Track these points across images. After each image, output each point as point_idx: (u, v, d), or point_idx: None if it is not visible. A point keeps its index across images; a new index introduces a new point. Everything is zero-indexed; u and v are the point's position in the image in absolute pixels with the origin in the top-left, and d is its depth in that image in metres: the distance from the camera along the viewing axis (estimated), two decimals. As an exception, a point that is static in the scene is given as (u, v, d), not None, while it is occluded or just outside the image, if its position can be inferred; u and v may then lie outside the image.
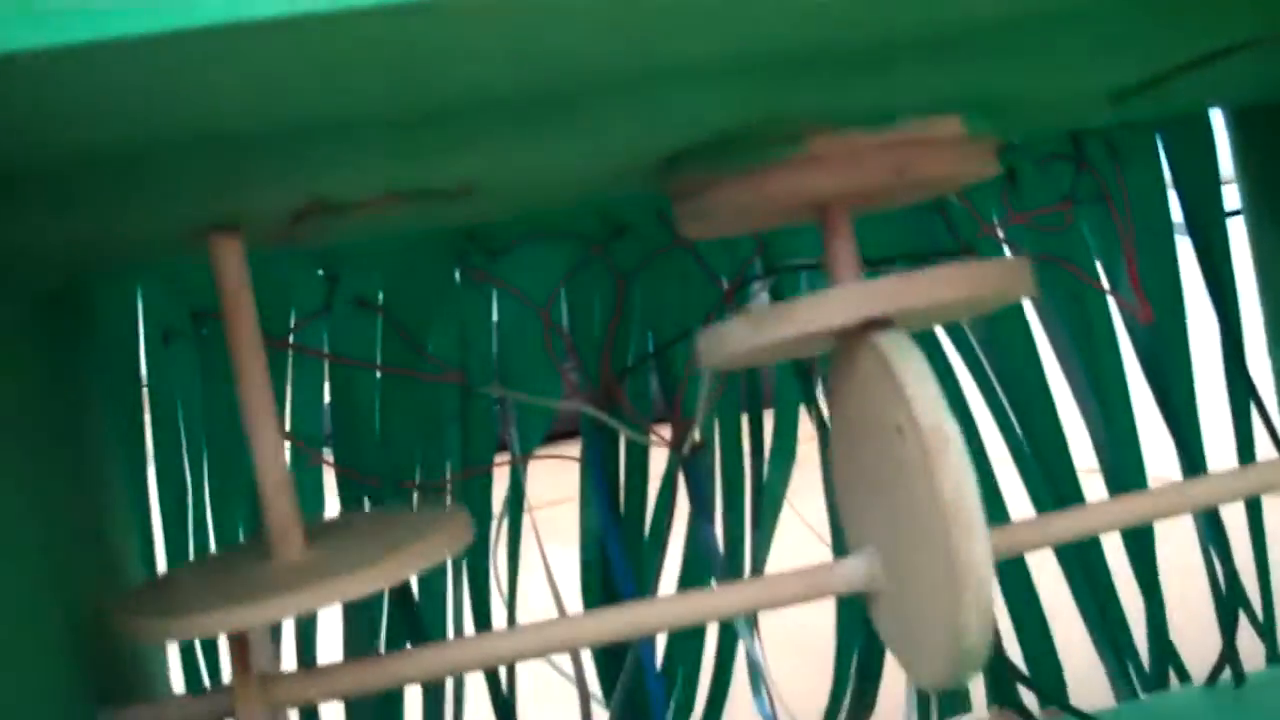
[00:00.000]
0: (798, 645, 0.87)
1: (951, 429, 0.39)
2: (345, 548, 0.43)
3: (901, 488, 0.41)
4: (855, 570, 0.45)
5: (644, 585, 0.66)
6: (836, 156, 0.41)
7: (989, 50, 0.40)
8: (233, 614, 0.38)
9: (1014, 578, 0.71)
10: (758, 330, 0.43)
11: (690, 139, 0.42)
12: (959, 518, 0.38)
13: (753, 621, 0.72)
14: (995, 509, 0.69)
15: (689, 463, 0.65)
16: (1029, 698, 0.73)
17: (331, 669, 0.43)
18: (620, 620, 0.45)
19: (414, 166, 0.38)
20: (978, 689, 0.73)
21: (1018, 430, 0.68)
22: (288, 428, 0.61)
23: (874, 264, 0.63)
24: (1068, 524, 0.48)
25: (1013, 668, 0.71)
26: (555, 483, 0.78)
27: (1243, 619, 0.70)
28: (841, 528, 0.50)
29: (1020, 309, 0.67)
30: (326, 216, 0.42)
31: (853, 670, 0.73)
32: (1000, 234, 0.65)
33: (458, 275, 0.62)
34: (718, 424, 0.67)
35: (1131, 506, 0.48)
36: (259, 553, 0.44)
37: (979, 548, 0.38)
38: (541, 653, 0.45)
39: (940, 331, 0.67)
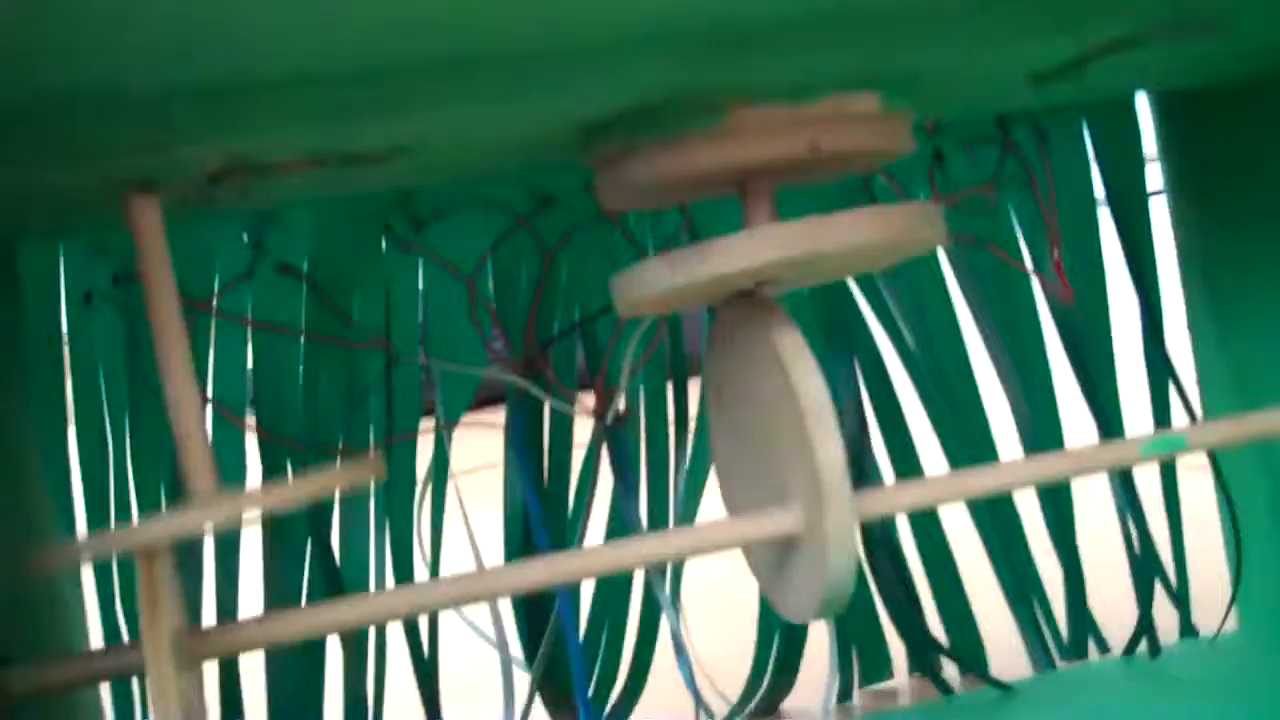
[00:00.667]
0: (720, 612, 0.88)
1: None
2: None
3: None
4: (781, 517, 0.46)
5: (566, 554, 0.66)
6: (754, 128, 0.42)
7: (908, 26, 0.41)
8: (141, 530, 0.38)
9: (932, 546, 0.72)
10: (674, 270, 0.43)
11: (615, 107, 0.42)
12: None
13: (676, 589, 0.73)
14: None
15: (613, 433, 0.66)
16: (950, 667, 0.74)
17: (249, 621, 0.44)
18: (540, 570, 0.45)
19: (339, 130, 0.38)
20: (899, 656, 0.74)
21: (939, 402, 0.69)
22: (210, 392, 0.61)
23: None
24: (978, 480, 0.49)
25: (931, 637, 0.72)
26: (480, 448, 0.78)
27: (1159, 591, 0.71)
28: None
29: (944, 284, 0.68)
30: (246, 178, 0.42)
31: (775, 638, 0.73)
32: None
33: (384, 243, 0.62)
34: (643, 394, 0.68)
35: (1042, 465, 0.49)
36: None
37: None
38: (460, 602, 0.45)
39: (864, 304, 0.68)
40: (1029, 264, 0.67)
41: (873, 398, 0.69)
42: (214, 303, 0.59)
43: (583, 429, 0.66)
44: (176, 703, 0.38)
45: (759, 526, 0.46)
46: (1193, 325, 0.70)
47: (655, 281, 0.44)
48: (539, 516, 0.64)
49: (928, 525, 0.72)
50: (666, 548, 0.47)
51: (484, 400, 0.70)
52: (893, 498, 0.49)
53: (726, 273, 0.42)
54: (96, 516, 0.61)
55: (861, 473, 0.68)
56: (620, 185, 0.46)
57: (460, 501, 0.66)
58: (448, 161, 0.50)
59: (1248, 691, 0.64)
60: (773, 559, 0.48)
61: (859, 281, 0.67)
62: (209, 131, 0.37)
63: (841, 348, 0.68)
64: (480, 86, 0.38)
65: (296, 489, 0.41)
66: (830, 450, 0.42)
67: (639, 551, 0.46)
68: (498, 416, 0.66)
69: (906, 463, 0.70)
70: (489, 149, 0.49)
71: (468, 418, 0.66)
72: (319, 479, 0.42)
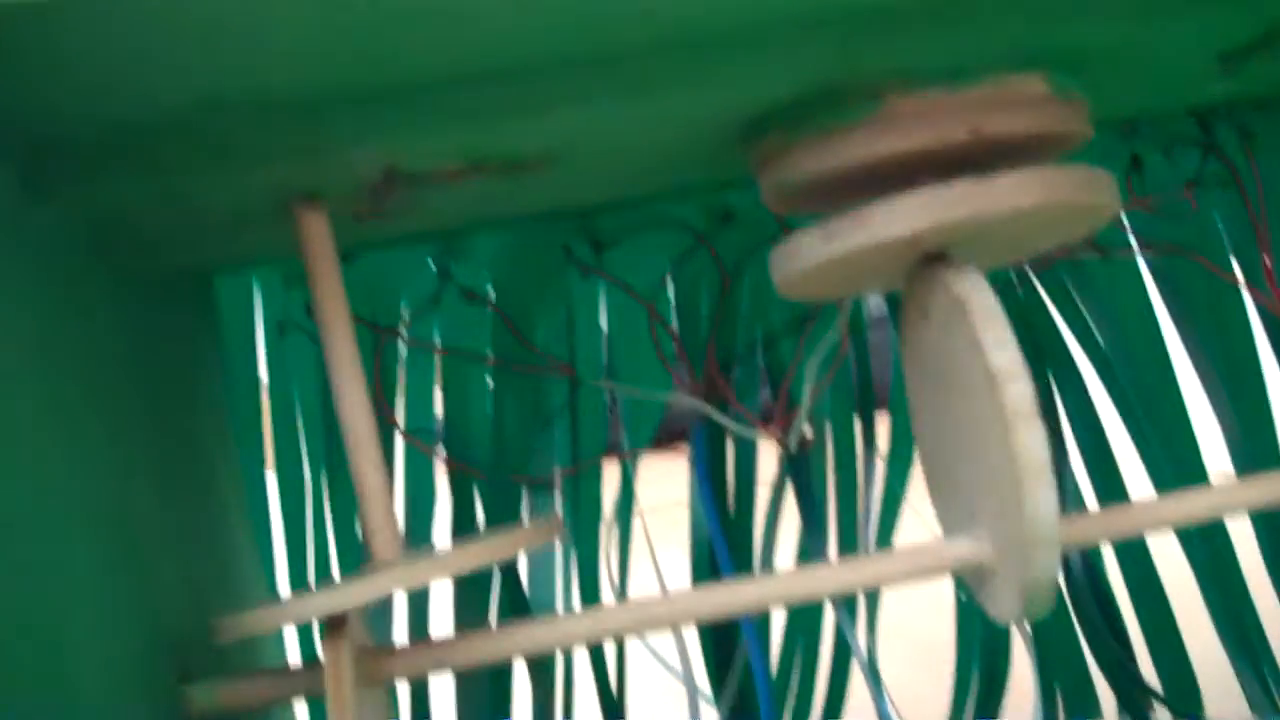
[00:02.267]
0: (917, 647, 0.85)
1: (1022, 373, 0.38)
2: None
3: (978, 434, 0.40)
4: (967, 548, 0.43)
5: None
6: (911, 115, 0.40)
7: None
8: (320, 598, 0.38)
9: (1141, 579, 0.68)
10: (828, 239, 0.41)
11: (767, 102, 0.41)
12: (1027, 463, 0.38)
13: (872, 623, 0.71)
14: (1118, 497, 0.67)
15: (798, 463, 0.64)
16: (1162, 710, 0.70)
17: (437, 642, 0.44)
18: (726, 595, 0.44)
19: (487, 131, 0.39)
20: (1106, 695, 0.70)
21: (1142, 422, 0.65)
22: (401, 422, 0.61)
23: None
24: (1189, 504, 0.46)
25: (1140, 679, 0.68)
26: (666, 484, 0.78)
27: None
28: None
29: (1145, 294, 0.64)
30: (408, 187, 0.42)
31: (974, 675, 0.70)
32: (1124, 221, 0.63)
33: (566, 269, 0.62)
34: (830, 426, 0.66)
35: (1257, 488, 0.46)
36: None
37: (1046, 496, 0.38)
38: (646, 626, 0.44)
39: (1058, 317, 0.65)
40: (1238, 273, 0.63)
41: (1071, 417, 0.66)
42: (402, 330, 0.60)
43: (768, 462, 0.65)
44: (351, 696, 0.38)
45: (946, 557, 0.44)
46: None
47: (810, 253, 0.42)
48: (724, 547, 0.62)
49: (1135, 556, 0.68)
50: (852, 576, 0.45)
51: (670, 436, 0.70)
52: (1096, 525, 0.46)
53: (885, 239, 0.40)
54: (294, 543, 0.62)
55: (1061, 493, 0.65)
56: (780, 186, 0.45)
57: (646, 536, 0.65)
58: (609, 171, 0.50)
59: None
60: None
61: (1053, 294, 0.65)
62: (360, 134, 0.38)
63: (1035, 364, 0.65)
64: (619, 81, 0.38)
65: (478, 553, 0.41)
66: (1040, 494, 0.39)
67: (823, 579, 0.45)
68: (683, 452, 0.65)
69: (1110, 486, 0.67)
70: (646, 154, 0.48)
71: (656, 452, 0.65)
72: (501, 542, 0.42)
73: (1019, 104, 0.41)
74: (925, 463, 0.48)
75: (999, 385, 0.38)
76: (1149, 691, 0.68)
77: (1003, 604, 0.42)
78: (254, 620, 0.39)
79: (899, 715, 0.75)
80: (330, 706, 0.39)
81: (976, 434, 0.41)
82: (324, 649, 0.40)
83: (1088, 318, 0.65)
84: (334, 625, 0.40)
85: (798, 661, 0.68)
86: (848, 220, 0.40)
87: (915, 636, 0.89)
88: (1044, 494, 0.38)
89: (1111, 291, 0.64)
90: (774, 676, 0.68)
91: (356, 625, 0.43)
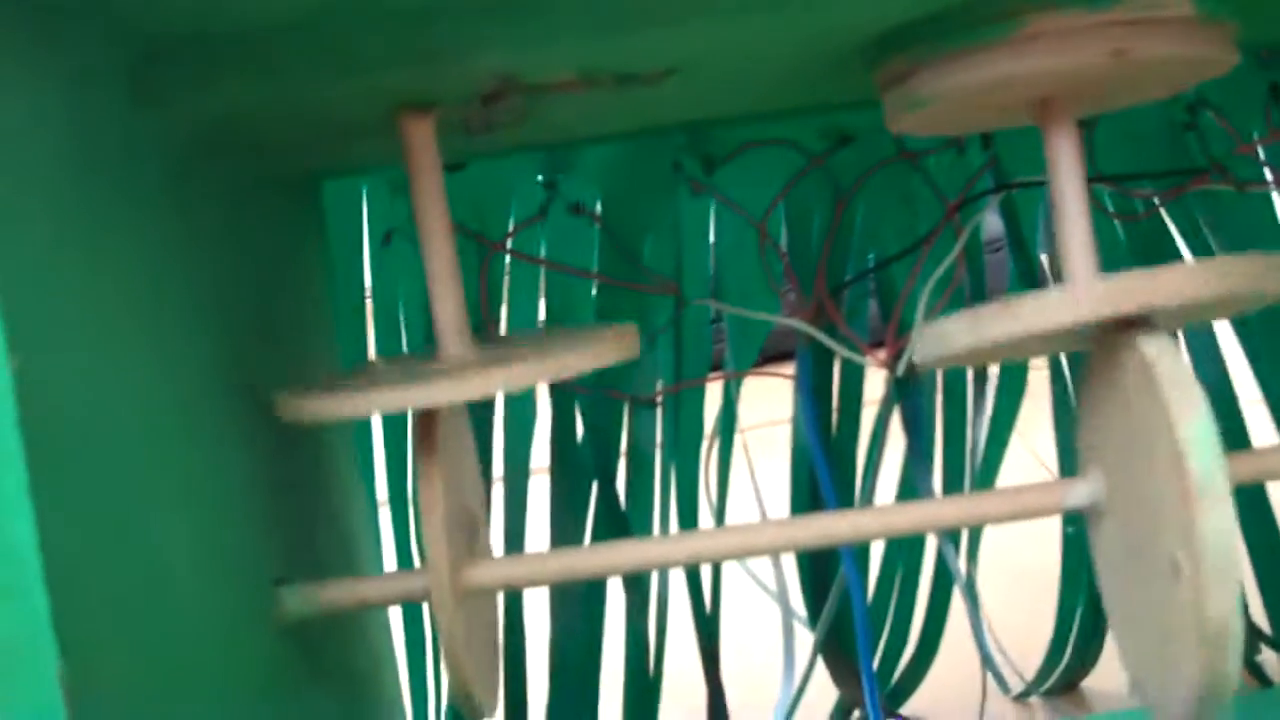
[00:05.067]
0: (1019, 583, 0.84)
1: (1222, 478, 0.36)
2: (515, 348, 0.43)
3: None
4: (1082, 490, 0.42)
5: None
6: (1051, 36, 0.38)
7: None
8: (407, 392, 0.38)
9: (1256, 523, 0.66)
10: (975, 331, 0.40)
11: (899, 18, 0.39)
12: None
13: (973, 556, 0.70)
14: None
15: (906, 388, 0.63)
16: (1271, 656, 0.68)
17: (535, 555, 0.44)
18: (828, 525, 0.43)
19: (609, 43, 0.37)
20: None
21: (1269, 367, 0.63)
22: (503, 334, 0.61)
23: (1119, 180, 0.59)
24: None
25: (1251, 623, 0.67)
26: (769, 403, 0.77)
27: None
28: (1073, 460, 0.47)
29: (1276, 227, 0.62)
30: (520, 98, 0.41)
31: (1078, 612, 0.69)
32: (1260, 153, 0.60)
33: (676, 185, 0.61)
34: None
35: None
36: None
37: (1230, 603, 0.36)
38: (744, 553, 0.44)
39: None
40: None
41: (1194, 357, 0.64)
42: (508, 242, 0.60)
43: (874, 385, 0.64)
44: (460, 623, 0.38)
45: (1057, 494, 0.43)
46: None
47: (955, 341, 0.42)
48: (826, 471, 0.61)
49: (1250, 499, 0.66)
50: (960, 513, 0.44)
51: (774, 355, 0.69)
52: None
53: (1034, 334, 0.40)
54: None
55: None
56: (908, 105, 0.43)
57: (747, 455, 0.65)
58: (727, 88, 0.48)
59: None
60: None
61: (1181, 226, 0.62)
62: (479, 42, 0.37)
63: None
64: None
65: (550, 367, 0.41)
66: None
67: (934, 514, 0.44)
68: (788, 371, 0.64)
69: (1232, 430, 0.65)
70: (767, 71, 0.46)
71: (759, 371, 0.64)
72: (573, 356, 0.41)
73: (1163, 26, 0.39)
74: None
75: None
76: (1257, 633, 0.67)
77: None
78: (328, 405, 0.39)
79: (998, 646, 0.74)
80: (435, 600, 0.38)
81: (1156, 510, 0.40)
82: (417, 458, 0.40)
83: (1217, 252, 0.63)
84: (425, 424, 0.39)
85: (896, 589, 0.67)
86: (997, 311, 0.40)
87: (1016, 567, 0.87)
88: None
89: (1244, 226, 0.62)
90: (871, 603, 0.67)
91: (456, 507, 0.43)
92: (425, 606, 0.61)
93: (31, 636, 0.25)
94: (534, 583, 0.45)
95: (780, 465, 0.66)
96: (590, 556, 0.44)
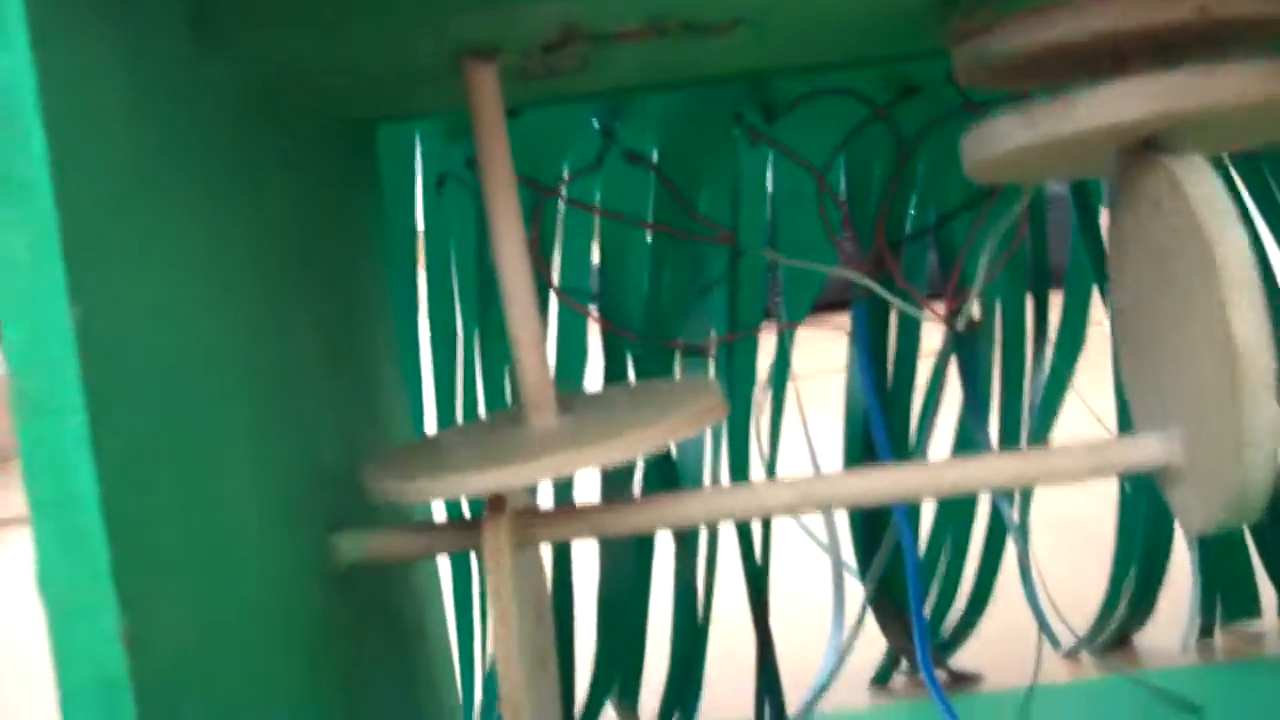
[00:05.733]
0: (1071, 538, 0.83)
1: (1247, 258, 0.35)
2: (599, 417, 0.42)
3: (1189, 331, 0.37)
4: (1151, 448, 0.41)
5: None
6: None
7: None
8: (483, 475, 0.38)
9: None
10: (1030, 125, 0.39)
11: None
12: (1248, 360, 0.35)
13: (1025, 511, 0.69)
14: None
15: (964, 342, 0.62)
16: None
17: (585, 508, 0.43)
18: (882, 480, 0.43)
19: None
20: (1268, 596, 0.68)
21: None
22: (557, 282, 0.61)
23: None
24: None
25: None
26: (824, 354, 0.76)
27: None
28: (1130, 417, 0.46)
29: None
30: (585, 45, 0.41)
31: (1132, 567, 0.69)
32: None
33: (734, 134, 0.60)
34: (999, 305, 0.64)
35: None
36: (514, 419, 0.44)
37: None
38: (797, 508, 0.43)
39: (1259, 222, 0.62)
40: None
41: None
42: (563, 189, 0.59)
43: (931, 338, 0.63)
44: (510, 577, 0.38)
45: (1128, 454, 0.42)
46: None
47: (1008, 138, 0.40)
48: (881, 424, 0.61)
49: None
50: (1022, 471, 0.43)
51: (829, 304, 0.68)
52: None
53: (1094, 127, 0.38)
54: (444, 395, 0.62)
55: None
56: (980, 60, 0.42)
57: (800, 406, 0.64)
58: (795, 39, 0.47)
59: None
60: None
61: (1250, 184, 0.61)
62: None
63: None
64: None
65: (638, 443, 0.40)
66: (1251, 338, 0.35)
67: (991, 471, 0.43)
68: (843, 321, 0.63)
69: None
70: (838, 24, 0.46)
71: (811, 320, 0.64)
72: (661, 430, 0.41)
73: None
74: (1124, 358, 0.45)
75: (1217, 260, 0.35)
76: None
77: (1197, 513, 0.40)
78: (410, 490, 0.39)
79: (1050, 601, 0.74)
80: (491, 585, 0.38)
81: (1185, 323, 0.38)
82: (485, 528, 0.40)
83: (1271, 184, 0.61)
84: (494, 505, 0.39)
85: (948, 541, 0.67)
86: (1054, 105, 0.38)
87: (1069, 525, 0.87)
88: (1261, 380, 0.35)
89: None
90: (922, 555, 0.67)
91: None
92: (473, 555, 0.61)
93: (92, 587, 0.25)
94: (585, 535, 0.45)
95: (834, 417, 0.65)
96: (642, 510, 0.44)
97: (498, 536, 0.39)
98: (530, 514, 0.43)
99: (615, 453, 0.39)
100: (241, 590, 0.34)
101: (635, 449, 0.39)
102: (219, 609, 0.32)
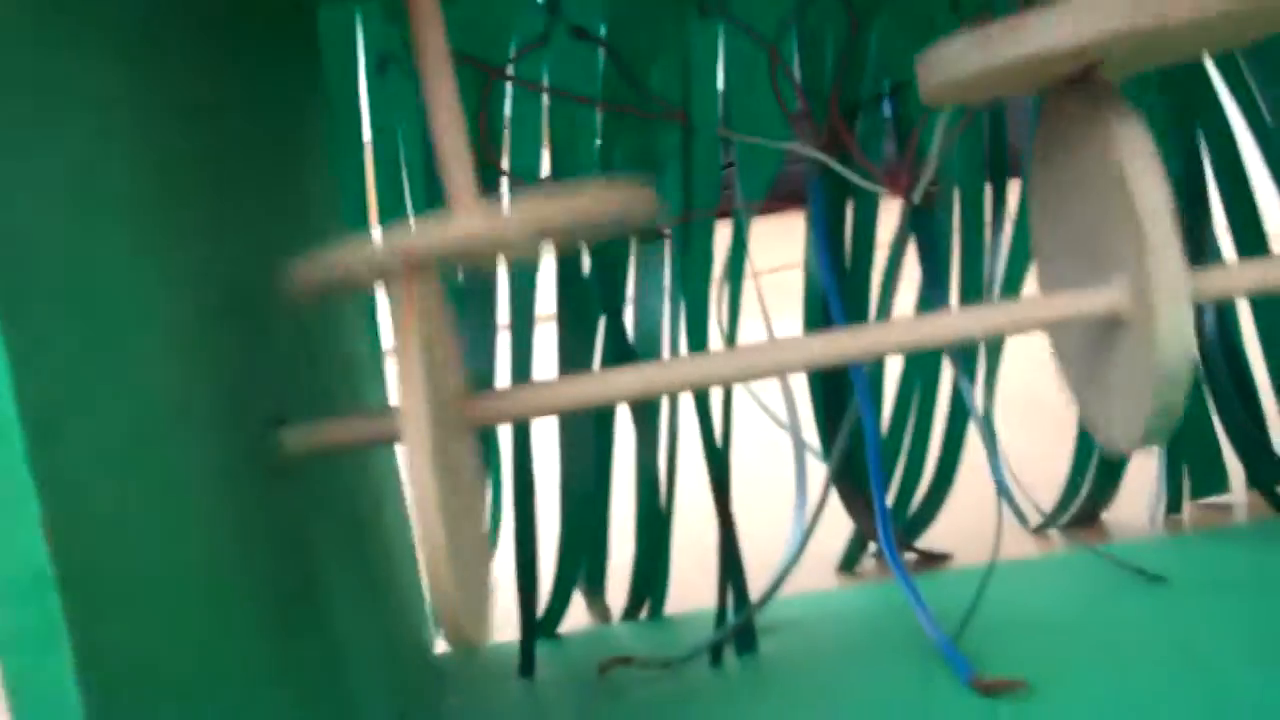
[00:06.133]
0: (1035, 418, 0.83)
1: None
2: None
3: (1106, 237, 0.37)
4: (1103, 294, 0.41)
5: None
6: None
7: None
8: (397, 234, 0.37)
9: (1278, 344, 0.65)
10: (984, 50, 0.38)
11: None
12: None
13: (990, 391, 0.69)
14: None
15: (922, 217, 0.61)
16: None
17: (541, 383, 0.42)
18: (841, 341, 0.42)
19: None
20: (1236, 471, 0.68)
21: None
22: (506, 164, 0.59)
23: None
24: None
25: (1272, 451, 0.66)
26: (785, 248, 0.75)
27: None
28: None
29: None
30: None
31: (1096, 446, 0.68)
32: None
33: (684, 7, 0.58)
34: (958, 191, 0.63)
35: None
36: None
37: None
38: (755, 374, 0.42)
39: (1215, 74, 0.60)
40: None
41: (1218, 176, 0.62)
42: (509, 69, 0.58)
43: (888, 226, 0.62)
44: (431, 450, 0.37)
45: (1078, 303, 0.41)
46: None
47: (962, 62, 0.39)
48: (839, 305, 0.60)
49: (1273, 320, 0.65)
50: (975, 323, 0.42)
51: (792, 197, 0.67)
52: (1232, 277, 0.43)
53: (1046, 52, 0.37)
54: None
55: (1199, 252, 0.61)
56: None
57: (761, 300, 0.63)
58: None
59: None
60: (1090, 367, 0.43)
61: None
62: None
63: (1186, 120, 0.61)
64: None
65: (563, 206, 0.39)
66: (1163, 236, 0.36)
67: (945, 326, 0.42)
68: (800, 213, 0.62)
69: (1252, 244, 0.63)
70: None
71: (775, 214, 0.63)
72: (595, 196, 0.39)
73: None
74: (1041, 263, 0.45)
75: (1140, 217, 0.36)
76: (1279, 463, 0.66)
77: (1127, 408, 0.40)
78: (330, 259, 0.37)
79: (1016, 480, 0.74)
80: (399, 352, 0.37)
81: (1101, 218, 0.38)
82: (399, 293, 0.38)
83: (1244, 71, 0.60)
84: (409, 263, 0.38)
85: (911, 419, 0.66)
86: (1005, 29, 0.37)
87: (1034, 399, 0.87)
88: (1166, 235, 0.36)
89: (1273, 42, 0.59)
90: (886, 434, 0.66)
91: (436, 334, 0.42)
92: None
93: (9, 481, 0.24)
94: (541, 411, 0.44)
95: (795, 311, 0.64)
96: (596, 382, 0.43)
97: (410, 296, 0.37)
98: (482, 395, 0.42)
99: (530, 213, 0.38)
100: (173, 484, 0.33)
101: (551, 211, 0.38)
102: (149, 502, 0.31)
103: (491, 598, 0.43)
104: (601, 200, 0.37)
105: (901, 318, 0.42)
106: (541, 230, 0.38)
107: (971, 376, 0.65)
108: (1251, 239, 0.63)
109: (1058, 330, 0.47)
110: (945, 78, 0.40)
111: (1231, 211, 0.63)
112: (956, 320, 0.42)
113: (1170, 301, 0.37)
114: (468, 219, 0.36)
